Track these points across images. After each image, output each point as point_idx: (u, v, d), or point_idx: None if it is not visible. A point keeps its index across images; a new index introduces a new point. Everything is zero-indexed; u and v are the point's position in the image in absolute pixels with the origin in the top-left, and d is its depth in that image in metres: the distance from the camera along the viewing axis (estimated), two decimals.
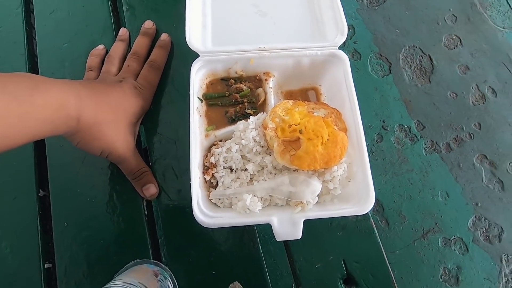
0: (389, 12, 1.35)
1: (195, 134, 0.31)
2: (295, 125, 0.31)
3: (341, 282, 0.32)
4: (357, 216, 0.34)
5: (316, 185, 0.30)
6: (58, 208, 0.34)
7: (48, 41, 0.41)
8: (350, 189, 0.31)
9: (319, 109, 0.33)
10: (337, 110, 0.34)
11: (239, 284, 0.32)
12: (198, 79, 0.35)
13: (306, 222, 0.30)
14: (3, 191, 0.35)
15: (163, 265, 0.32)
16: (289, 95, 0.38)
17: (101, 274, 0.32)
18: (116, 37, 0.41)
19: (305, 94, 0.38)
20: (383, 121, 1.28)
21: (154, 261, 0.32)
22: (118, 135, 0.32)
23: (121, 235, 0.33)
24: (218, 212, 0.30)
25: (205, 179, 0.32)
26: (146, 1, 0.43)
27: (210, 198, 0.31)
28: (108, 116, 0.31)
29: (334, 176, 0.31)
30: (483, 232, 1.04)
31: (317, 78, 0.37)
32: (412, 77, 1.32)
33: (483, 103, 1.32)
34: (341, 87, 0.35)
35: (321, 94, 0.38)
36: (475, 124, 1.32)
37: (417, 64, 1.21)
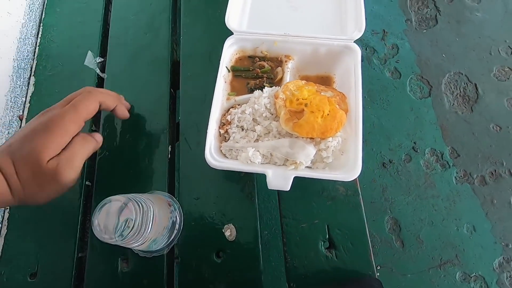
0: (438, 36, 1.34)
1: (218, 94, 0.38)
2: (302, 99, 0.36)
3: (322, 244, 0.36)
4: (347, 190, 0.38)
5: (310, 150, 0.34)
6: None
7: (119, 12, 0.51)
8: (342, 161, 0.35)
9: (326, 91, 0.38)
10: (343, 94, 0.38)
11: (233, 226, 0.37)
12: (229, 53, 0.41)
13: (299, 185, 0.35)
14: None
15: (175, 198, 0.39)
16: (306, 79, 0.43)
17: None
18: (171, 18, 0.49)
19: (320, 81, 0.43)
20: (414, 143, 1.25)
21: (168, 193, 0.39)
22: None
23: (145, 170, 0.41)
24: (225, 160, 0.36)
25: (219, 132, 0.38)
26: None
27: (221, 149, 0.37)
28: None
29: (328, 146, 0.35)
30: (510, 276, 1.00)
31: (331, 67, 0.42)
32: (453, 104, 1.28)
33: None
34: (350, 76, 0.39)
35: (333, 82, 0.42)
36: None
37: (460, 91, 1.19)
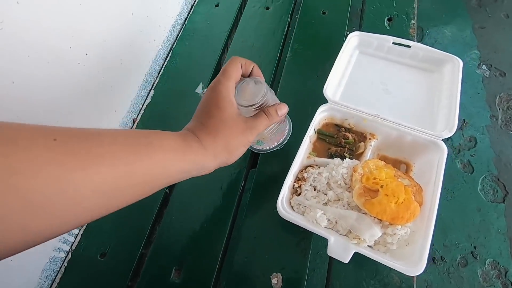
0: None
1: (301, 152, 0.42)
2: (380, 180, 0.38)
3: None
4: (401, 281, 0.37)
5: (376, 231, 0.36)
6: None
7: (233, 54, 0.60)
8: (405, 252, 0.36)
9: (404, 178, 0.40)
10: (420, 186, 0.39)
11: (281, 276, 0.39)
12: (319, 117, 0.46)
13: (354, 259, 0.36)
14: None
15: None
16: (384, 159, 0.45)
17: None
18: (275, 70, 0.56)
19: (397, 165, 0.44)
20: (475, 247, 1.15)
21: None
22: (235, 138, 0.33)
23: (219, 192, 0.46)
24: (293, 212, 0.39)
25: (293, 185, 0.41)
26: (306, 55, 0.58)
27: (290, 201, 0.41)
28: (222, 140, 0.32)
29: (395, 233, 0.36)
30: None
31: (412, 156, 0.44)
32: None
33: None
34: (431, 172, 0.40)
35: (411, 170, 0.44)
36: None
37: None
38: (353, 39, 0.53)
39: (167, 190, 0.48)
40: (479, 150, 1.13)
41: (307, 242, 0.41)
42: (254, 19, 0.65)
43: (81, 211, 0.22)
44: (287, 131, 0.46)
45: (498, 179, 1.08)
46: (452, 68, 0.48)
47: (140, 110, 0.56)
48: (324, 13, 0.63)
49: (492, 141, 1.15)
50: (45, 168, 0.20)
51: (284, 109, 0.38)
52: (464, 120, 1.19)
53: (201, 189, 0.46)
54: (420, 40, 1.41)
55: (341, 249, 0.35)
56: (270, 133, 0.41)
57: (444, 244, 0.98)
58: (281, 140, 0.45)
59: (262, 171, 0.47)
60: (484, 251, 0.97)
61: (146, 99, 0.57)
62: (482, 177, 1.09)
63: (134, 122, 0.55)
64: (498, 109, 1.21)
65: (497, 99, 1.23)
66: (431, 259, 0.95)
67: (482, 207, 1.04)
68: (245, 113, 0.35)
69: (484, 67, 1.31)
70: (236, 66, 0.36)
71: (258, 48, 0.60)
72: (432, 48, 0.50)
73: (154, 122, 0.54)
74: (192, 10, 0.68)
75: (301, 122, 0.47)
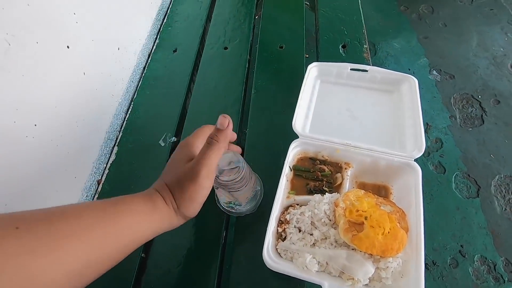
0: (485, 136, 1.34)
1: (279, 192, 0.41)
2: (362, 211, 0.37)
3: None
4: None
5: (369, 268, 0.34)
6: None
7: (197, 101, 0.59)
8: (401, 285, 0.34)
9: (386, 205, 0.39)
10: (403, 211, 0.39)
11: None
12: (292, 154, 0.45)
13: None
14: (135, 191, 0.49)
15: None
16: (362, 186, 0.44)
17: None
18: (241, 110, 0.56)
19: (377, 189, 0.44)
20: (462, 246, 1.16)
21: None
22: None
23: (198, 255, 0.42)
24: (281, 261, 0.37)
25: (277, 230, 0.39)
26: (270, 90, 0.58)
27: (277, 247, 0.38)
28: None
29: (388, 267, 0.35)
30: None
31: (389, 179, 0.44)
32: (505, 209, 1.21)
33: None
34: (410, 193, 0.40)
35: (391, 193, 0.43)
36: None
37: None
38: (313, 69, 0.54)
39: (142, 255, 0.44)
40: (446, 150, 1.19)
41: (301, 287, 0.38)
42: (214, 60, 0.65)
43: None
44: (258, 188, 0.44)
45: (469, 175, 1.13)
46: (409, 87, 0.50)
47: (105, 170, 0.52)
48: (281, 47, 0.65)
49: (456, 140, 1.22)
50: (12, 258, 0.20)
51: (221, 119, 0.34)
52: (427, 123, 1.25)
53: (179, 249, 0.43)
54: (374, 54, 1.50)
55: None
56: (240, 189, 0.39)
57: (433, 248, 0.98)
58: (254, 198, 0.44)
59: (243, 220, 0.44)
60: (470, 248, 0.99)
61: (110, 157, 0.54)
62: (454, 176, 1.13)
63: (98, 184, 0.51)
64: (454, 109, 1.30)
65: (452, 100, 1.32)
66: (424, 265, 0.95)
67: (460, 205, 1.07)
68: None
69: (434, 72, 1.41)
70: (204, 129, 0.39)
71: (222, 89, 0.60)
72: (388, 70, 0.52)
73: (120, 180, 0.50)
74: (150, 59, 0.67)
75: (275, 160, 0.46)
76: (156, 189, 0.33)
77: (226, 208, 0.44)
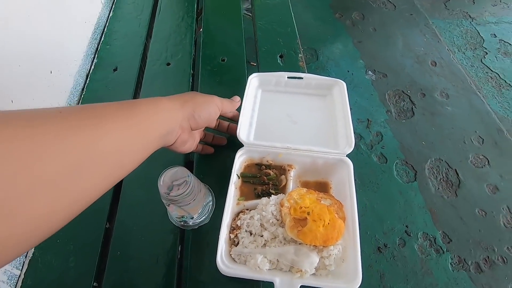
0: (416, 126, 1.51)
1: (229, 200, 0.43)
2: (305, 207, 0.41)
3: None
4: None
5: (314, 258, 0.38)
6: (116, 240, 0.45)
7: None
8: (343, 269, 0.38)
9: (326, 199, 0.43)
10: (340, 202, 0.43)
11: None
12: (239, 161, 0.48)
13: None
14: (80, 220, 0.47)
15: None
16: (305, 184, 0.48)
17: None
18: None
19: (318, 186, 0.49)
20: (407, 226, 1.29)
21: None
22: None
23: (154, 270, 0.42)
24: (235, 265, 0.39)
25: (230, 237, 0.41)
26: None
27: (230, 253, 0.40)
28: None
29: (330, 254, 0.38)
30: None
31: (328, 175, 0.48)
32: (438, 188, 1.37)
33: None
34: (345, 185, 0.45)
35: (330, 188, 0.48)
36: (508, 247, 1.27)
37: (443, 176, 1.28)
38: (254, 80, 0.58)
39: (95, 284, 0.42)
40: (386, 141, 1.32)
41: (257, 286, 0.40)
42: (158, 77, 0.65)
43: (110, 167, 0.25)
44: (210, 199, 0.46)
45: (406, 162, 1.27)
46: (339, 91, 0.56)
47: None
48: (223, 60, 0.68)
49: (393, 132, 1.35)
50: (67, 133, 0.22)
51: (237, 98, 0.52)
52: (368, 119, 1.37)
53: (133, 273, 0.42)
54: (316, 59, 1.61)
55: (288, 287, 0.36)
56: (190, 202, 0.40)
57: (383, 231, 1.08)
58: (206, 210, 0.45)
59: (197, 232, 0.45)
60: (414, 227, 1.11)
61: None
62: (394, 164, 1.26)
63: None
64: (389, 104, 1.44)
65: (386, 96, 1.47)
66: (377, 249, 1.04)
67: (402, 190, 1.19)
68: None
69: (370, 72, 1.55)
70: (231, 107, 0.50)
71: None
72: (320, 76, 0.58)
73: None
74: (88, 79, 0.65)
75: (224, 170, 0.48)
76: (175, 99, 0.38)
77: (180, 223, 0.44)
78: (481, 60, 1.62)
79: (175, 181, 0.38)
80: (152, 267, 0.43)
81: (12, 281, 0.42)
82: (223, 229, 0.40)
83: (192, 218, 0.43)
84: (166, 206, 0.41)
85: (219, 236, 0.40)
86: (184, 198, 0.38)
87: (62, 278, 0.42)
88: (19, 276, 0.42)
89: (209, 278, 0.41)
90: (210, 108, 0.42)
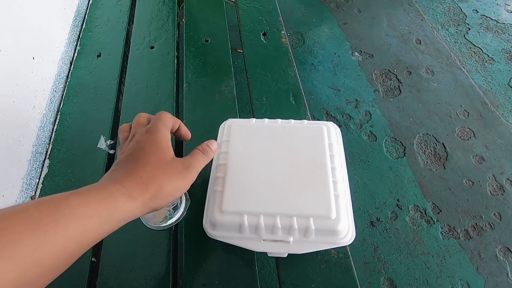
0: (403, 103, 1.53)
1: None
2: None
3: None
4: (338, 253, 0.42)
5: None
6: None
7: (129, 102, 0.59)
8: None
9: None
10: None
11: None
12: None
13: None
14: None
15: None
16: None
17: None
18: (175, 105, 0.58)
19: None
20: (398, 200, 1.33)
21: None
22: (168, 174, 0.31)
23: (150, 239, 0.43)
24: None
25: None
26: (201, 82, 0.61)
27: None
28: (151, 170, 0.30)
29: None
30: None
31: None
32: (427, 162, 1.41)
33: (502, 194, 1.34)
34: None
35: None
36: (494, 214, 1.32)
37: (431, 151, 1.31)
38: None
39: (93, 259, 0.43)
40: (375, 120, 1.34)
41: (250, 252, 0.42)
42: (142, 61, 0.65)
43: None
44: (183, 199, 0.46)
45: (395, 139, 1.30)
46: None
47: (38, 184, 0.50)
48: (207, 41, 0.68)
49: (381, 110, 1.38)
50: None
51: (214, 143, 0.39)
52: (356, 99, 1.39)
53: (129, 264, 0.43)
54: (303, 43, 1.61)
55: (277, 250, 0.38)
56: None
57: (376, 206, 1.11)
58: (181, 206, 0.45)
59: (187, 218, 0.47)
60: (405, 200, 1.14)
61: (41, 170, 0.51)
62: (384, 141, 1.28)
63: (32, 199, 0.48)
64: (377, 83, 1.46)
65: (373, 76, 1.49)
66: (370, 223, 1.07)
67: (392, 165, 1.22)
68: None
69: (356, 53, 1.57)
70: (169, 117, 0.36)
71: (153, 87, 0.61)
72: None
73: (57, 192, 0.48)
74: (72, 66, 0.65)
75: None
76: (117, 181, 0.28)
77: (166, 225, 0.44)
78: (464, 36, 1.64)
79: None
80: (149, 238, 0.44)
81: None
82: (209, 195, 0.41)
83: (176, 208, 0.43)
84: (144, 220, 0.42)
85: (206, 203, 0.41)
86: None
87: None
88: None
89: (202, 243, 0.43)
90: (182, 189, 0.32)
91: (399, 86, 1.45)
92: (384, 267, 1.02)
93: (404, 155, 1.26)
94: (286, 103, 0.57)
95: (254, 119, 0.49)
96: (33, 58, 0.55)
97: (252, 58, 0.64)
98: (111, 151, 0.52)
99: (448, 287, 1.03)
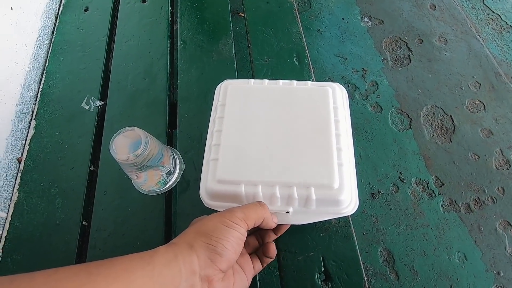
0: (413, 74, 1.46)
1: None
2: None
3: (318, 276, 0.37)
4: (339, 222, 0.40)
5: None
6: (102, 180, 0.44)
7: (119, 60, 0.55)
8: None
9: None
10: None
11: None
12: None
13: None
14: (64, 163, 0.46)
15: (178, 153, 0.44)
16: None
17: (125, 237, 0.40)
18: (169, 64, 0.53)
19: None
20: (400, 173, 1.30)
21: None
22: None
23: (143, 205, 0.42)
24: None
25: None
26: (197, 40, 0.56)
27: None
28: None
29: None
30: None
31: None
32: (433, 135, 1.36)
33: (508, 169, 1.30)
34: None
35: None
36: (498, 188, 1.29)
37: (438, 123, 1.26)
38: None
39: (84, 222, 0.42)
40: (381, 91, 1.28)
41: None
42: (133, 16, 0.60)
43: None
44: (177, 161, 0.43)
45: (402, 110, 1.25)
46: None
47: (24, 146, 0.47)
48: None
49: (389, 80, 1.31)
50: None
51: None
52: (363, 68, 1.32)
53: (123, 209, 0.42)
54: (309, 8, 1.51)
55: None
56: (161, 159, 0.38)
57: (377, 179, 1.09)
58: (175, 171, 0.43)
59: (182, 184, 0.44)
60: (407, 173, 1.12)
61: (28, 132, 0.48)
62: (389, 113, 1.24)
63: (19, 162, 0.46)
64: (385, 52, 1.39)
65: (382, 44, 1.41)
66: (371, 195, 1.06)
67: (396, 138, 1.19)
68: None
69: (365, 19, 1.47)
70: (258, 214, 0.31)
71: (145, 45, 0.56)
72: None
73: (45, 154, 0.46)
74: (58, 21, 0.60)
75: (210, 106, 0.46)
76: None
77: (159, 190, 0.42)
78: (483, 1, 1.53)
79: (133, 150, 0.34)
80: (142, 203, 0.42)
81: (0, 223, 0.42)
82: (205, 163, 0.39)
83: (169, 173, 0.41)
84: (135, 179, 0.39)
85: (202, 171, 0.38)
86: (151, 159, 0.35)
87: (50, 219, 0.42)
88: (6, 218, 0.42)
89: (198, 213, 0.41)
90: (230, 230, 0.28)
91: (409, 55, 1.38)
92: (383, 238, 1.02)
93: (410, 127, 1.22)
94: (289, 63, 0.52)
95: (252, 80, 0.44)
96: (12, 9, 0.50)
97: (253, 14, 0.58)
98: (98, 102, 0.49)
99: (445, 257, 1.04)
